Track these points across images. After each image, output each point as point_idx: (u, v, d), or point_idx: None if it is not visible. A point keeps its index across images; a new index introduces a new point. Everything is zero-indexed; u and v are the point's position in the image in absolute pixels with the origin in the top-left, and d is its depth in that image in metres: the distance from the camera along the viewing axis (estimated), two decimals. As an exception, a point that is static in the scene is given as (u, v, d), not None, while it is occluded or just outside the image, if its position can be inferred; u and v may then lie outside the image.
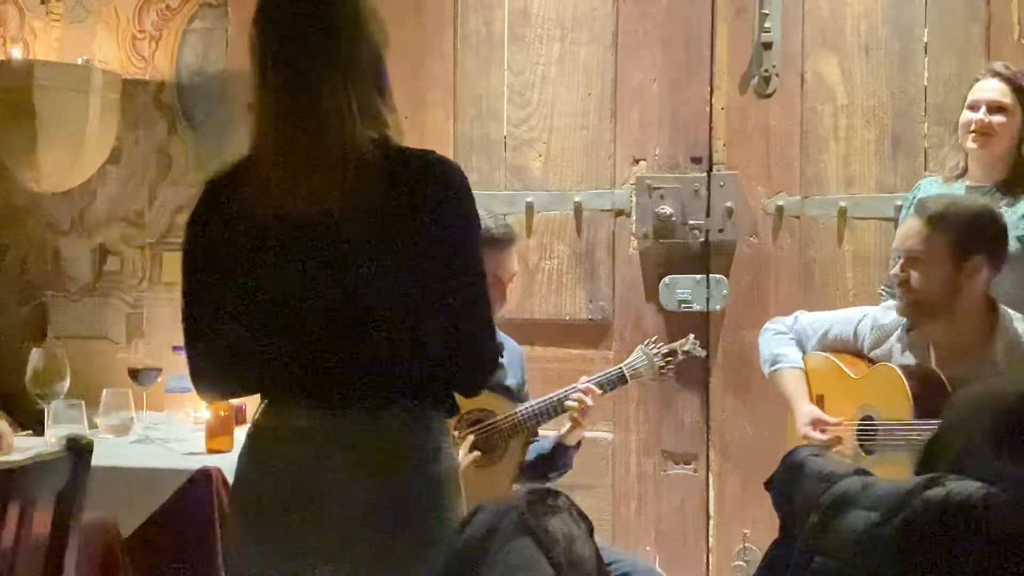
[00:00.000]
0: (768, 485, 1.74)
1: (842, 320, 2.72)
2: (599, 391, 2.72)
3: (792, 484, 1.63)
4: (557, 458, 2.78)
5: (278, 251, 1.64)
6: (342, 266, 1.63)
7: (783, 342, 2.77)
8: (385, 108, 1.67)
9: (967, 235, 2.45)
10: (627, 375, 2.77)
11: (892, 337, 2.59)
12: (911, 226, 2.49)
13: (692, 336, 2.89)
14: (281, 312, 1.66)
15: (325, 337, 1.65)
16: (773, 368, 2.76)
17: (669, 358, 2.82)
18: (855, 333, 2.67)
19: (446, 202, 1.63)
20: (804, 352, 2.75)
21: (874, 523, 1.38)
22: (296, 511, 1.67)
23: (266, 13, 1.66)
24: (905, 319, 2.55)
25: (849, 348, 2.68)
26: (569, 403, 2.69)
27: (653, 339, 2.86)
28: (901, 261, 2.50)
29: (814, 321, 2.76)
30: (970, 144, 2.88)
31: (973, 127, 2.86)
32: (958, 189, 2.90)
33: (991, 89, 2.87)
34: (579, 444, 2.80)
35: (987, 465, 1.36)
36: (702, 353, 2.94)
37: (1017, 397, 1.44)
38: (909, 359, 2.53)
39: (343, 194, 1.59)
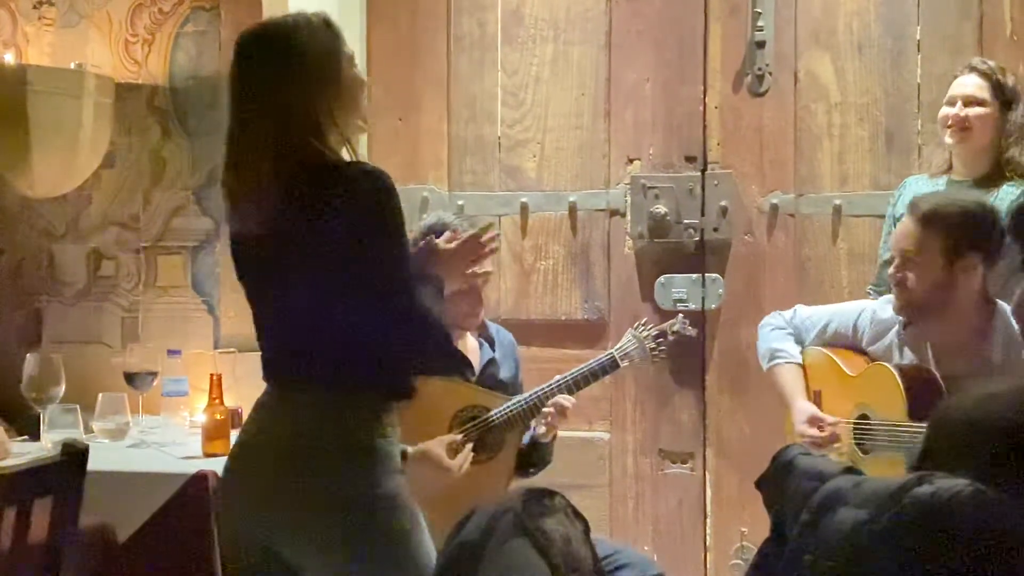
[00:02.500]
0: (759, 484, 1.74)
1: (841, 314, 2.71)
2: (572, 399, 2.72)
3: (782, 483, 1.63)
4: (534, 453, 2.80)
5: (243, 255, 2.01)
6: (278, 265, 1.93)
7: (781, 337, 2.76)
8: (317, 140, 1.91)
9: (960, 233, 2.44)
10: (619, 360, 2.77)
11: (891, 332, 2.58)
12: (905, 226, 2.49)
13: (681, 316, 2.87)
14: (252, 301, 2.02)
15: (273, 322, 1.99)
16: (771, 363, 2.75)
17: (659, 339, 2.81)
18: (855, 327, 2.66)
19: (357, 202, 1.88)
20: (802, 346, 2.74)
21: (864, 521, 1.38)
22: (248, 473, 1.97)
23: (231, 71, 2.01)
24: (902, 317, 2.55)
25: (848, 343, 2.67)
26: (546, 410, 2.70)
27: (643, 321, 2.85)
28: (897, 261, 2.50)
29: (813, 315, 2.75)
30: (948, 139, 2.90)
31: (950, 122, 2.88)
32: (941, 185, 2.91)
33: (968, 84, 2.89)
34: (554, 439, 2.80)
35: (976, 466, 1.36)
36: (693, 332, 2.91)
37: (1008, 401, 1.44)
38: (907, 355, 2.53)
39: (275, 205, 1.88)
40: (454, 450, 2.57)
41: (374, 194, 1.88)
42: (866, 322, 2.64)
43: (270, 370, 2.00)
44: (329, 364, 1.92)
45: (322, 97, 1.92)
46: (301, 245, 1.89)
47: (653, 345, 2.79)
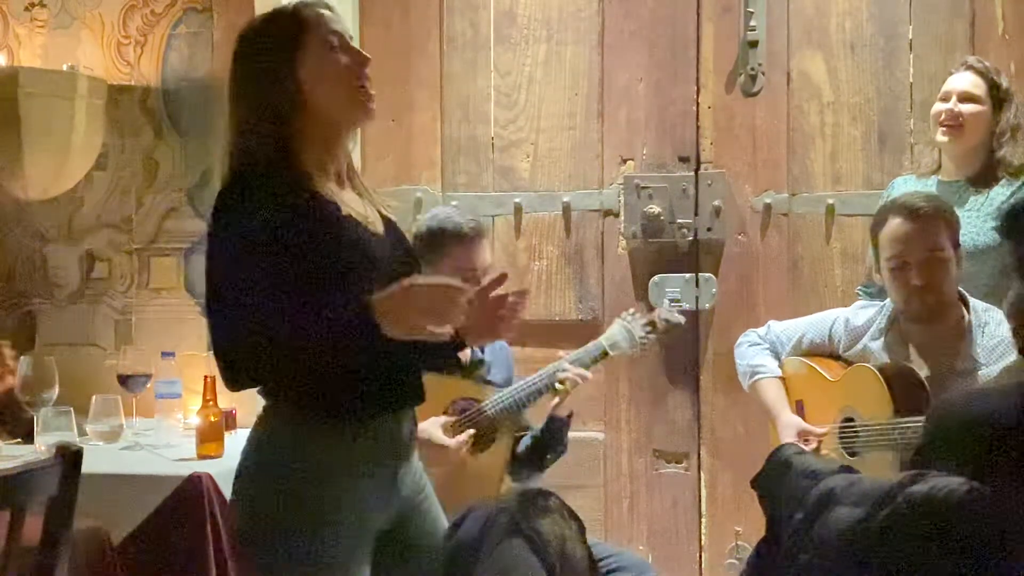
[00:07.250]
0: (754, 484, 1.74)
1: (815, 324, 2.72)
2: (587, 373, 2.72)
3: (778, 482, 1.63)
4: (552, 434, 2.77)
5: None
6: None
7: (759, 353, 2.77)
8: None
9: (956, 227, 2.47)
10: (608, 349, 2.77)
11: (865, 337, 2.59)
12: (919, 227, 2.43)
13: (667, 301, 2.87)
14: None
15: None
16: (752, 380, 2.76)
17: (648, 327, 2.81)
18: (830, 336, 2.67)
19: None
20: (780, 360, 2.75)
21: (859, 519, 1.39)
22: None
23: None
24: (886, 319, 2.54)
25: (824, 351, 2.69)
26: (561, 375, 2.69)
27: (631, 311, 2.86)
28: (926, 264, 2.42)
29: (787, 328, 2.76)
30: (940, 136, 2.86)
31: (943, 118, 2.85)
32: (931, 185, 2.90)
33: (964, 80, 2.87)
34: (570, 418, 2.78)
35: (972, 462, 1.36)
36: (681, 320, 2.91)
37: (998, 402, 1.44)
38: (884, 357, 2.52)
39: None
40: (451, 430, 2.57)
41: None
42: (840, 329, 2.65)
43: None
44: None
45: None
46: None
47: (642, 334, 2.79)
